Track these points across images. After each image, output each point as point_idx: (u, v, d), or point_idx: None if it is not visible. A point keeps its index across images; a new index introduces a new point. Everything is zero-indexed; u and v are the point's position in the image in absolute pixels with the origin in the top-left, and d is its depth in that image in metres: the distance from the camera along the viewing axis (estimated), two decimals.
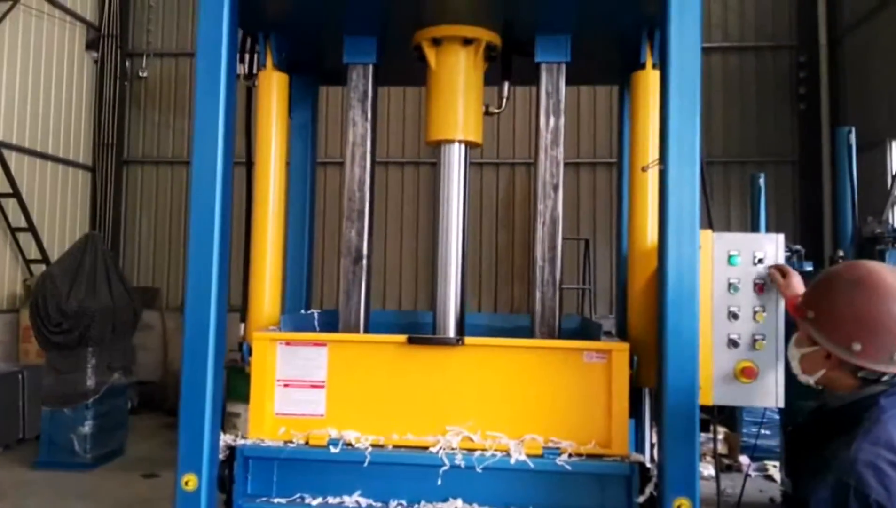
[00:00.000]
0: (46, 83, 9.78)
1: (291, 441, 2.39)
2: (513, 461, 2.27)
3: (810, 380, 1.78)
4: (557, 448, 2.29)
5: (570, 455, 2.28)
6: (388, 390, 2.41)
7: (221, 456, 2.35)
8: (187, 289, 2.32)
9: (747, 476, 6.50)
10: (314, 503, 2.35)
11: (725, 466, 7.11)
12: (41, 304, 6.82)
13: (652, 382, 2.47)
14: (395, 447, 2.37)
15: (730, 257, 2.42)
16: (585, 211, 10.40)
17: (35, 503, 5.96)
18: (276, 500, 2.37)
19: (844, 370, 1.68)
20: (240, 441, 2.38)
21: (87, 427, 6.88)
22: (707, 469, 6.60)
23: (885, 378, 1.65)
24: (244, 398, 2.48)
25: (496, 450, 2.30)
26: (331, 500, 2.36)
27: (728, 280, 2.41)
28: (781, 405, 2.41)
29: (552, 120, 2.70)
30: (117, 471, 6.97)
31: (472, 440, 2.35)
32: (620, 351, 2.35)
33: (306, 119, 3.23)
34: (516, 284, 10.30)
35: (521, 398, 2.37)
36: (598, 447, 2.31)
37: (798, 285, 2.31)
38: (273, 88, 2.77)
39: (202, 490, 2.29)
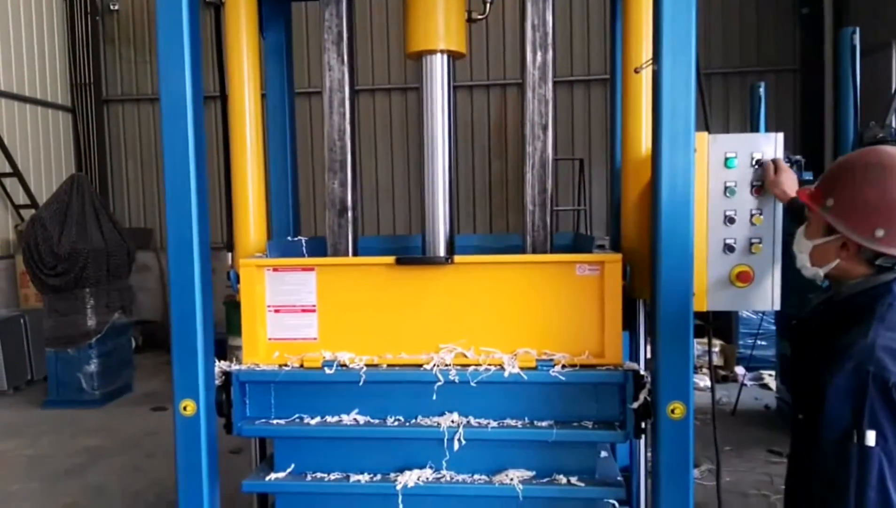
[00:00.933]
0: (15, 23, 9.42)
1: (286, 365, 2.38)
2: (506, 374, 2.26)
3: (820, 272, 1.74)
4: (551, 360, 2.29)
5: (563, 367, 2.27)
6: (380, 311, 2.39)
7: (217, 382, 2.35)
8: (167, 223, 2.25)
9: (743, 385, 6.65)
10: (313, 422, 2.37)
11: (721, 377, 7.27)
12: (34, 248, 6.80)
13: (646, 293, 2.44)
14: (390, 366, 2.36)
15: (727, 159, 2.35)
16: (580, 130, 10.22)
17: (49, 439, 6.12)
18: (274, 422, 2.39)
19: (860, 258, 1.65)
20: (235, 367, 2.38)
21: (92, 366, 6.99)
22: (703, 381, 6.73)
23: None
24: None
25: (490, 365, 2.30)
26: (329, 419, 2.37)
27: (724, 183, 2.35)
28: (777, 307, 2.40)
29: (539, 55, 2.53)
30: (126, 407, 7.13)
31: (465, 356, 2.34)
32: (613, 262, 2.31)
33: (280, 41, 3.07)
34: (511, 214, 10.24)
35: (513, 314, 2.35)
36: (591, 357, 2.30)
37: (788, 181, 2.26)
38: (241, 5, 2.62)
39: (200, 414, 2.30)
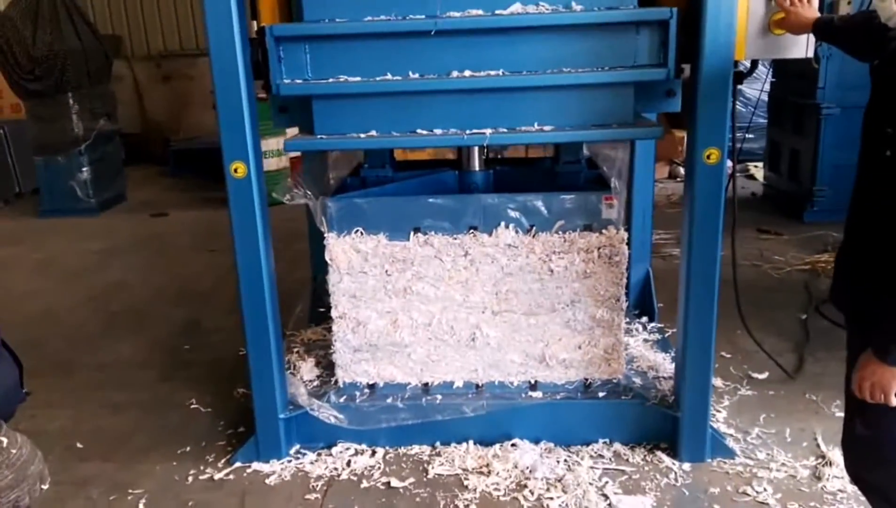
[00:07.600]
0: None
1: None
2: None
3: None
4: None
5: None
6: None
7: None
8: None
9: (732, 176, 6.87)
10: None
11: None
12: (8, 51, 6.41)
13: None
14: None
15: None
16: None
17: (54, 244, 6.10)
18: None
19: None
20: None
21: (84, 174, 6.89)
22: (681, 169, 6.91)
23: None
24: None
25: None
26: None
27: None
28: (811, 54, 2.42)
29: None
30: (125, 213, 7.14)
31: None
32: None
33: None
34: None
35: None
36: None
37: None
38: None
39: (251, 176, 2.38)
